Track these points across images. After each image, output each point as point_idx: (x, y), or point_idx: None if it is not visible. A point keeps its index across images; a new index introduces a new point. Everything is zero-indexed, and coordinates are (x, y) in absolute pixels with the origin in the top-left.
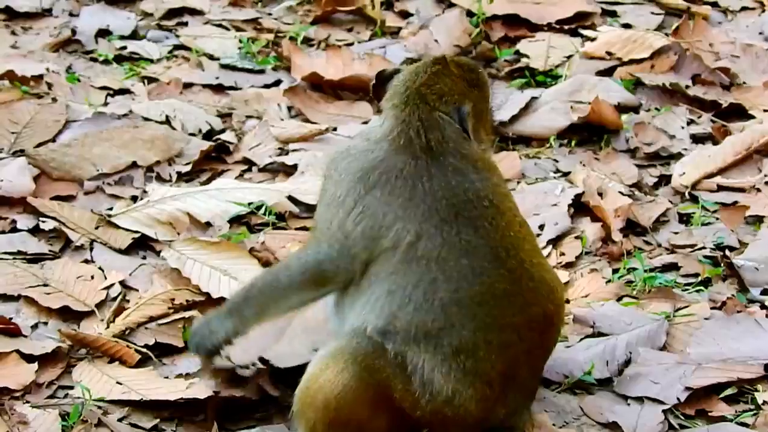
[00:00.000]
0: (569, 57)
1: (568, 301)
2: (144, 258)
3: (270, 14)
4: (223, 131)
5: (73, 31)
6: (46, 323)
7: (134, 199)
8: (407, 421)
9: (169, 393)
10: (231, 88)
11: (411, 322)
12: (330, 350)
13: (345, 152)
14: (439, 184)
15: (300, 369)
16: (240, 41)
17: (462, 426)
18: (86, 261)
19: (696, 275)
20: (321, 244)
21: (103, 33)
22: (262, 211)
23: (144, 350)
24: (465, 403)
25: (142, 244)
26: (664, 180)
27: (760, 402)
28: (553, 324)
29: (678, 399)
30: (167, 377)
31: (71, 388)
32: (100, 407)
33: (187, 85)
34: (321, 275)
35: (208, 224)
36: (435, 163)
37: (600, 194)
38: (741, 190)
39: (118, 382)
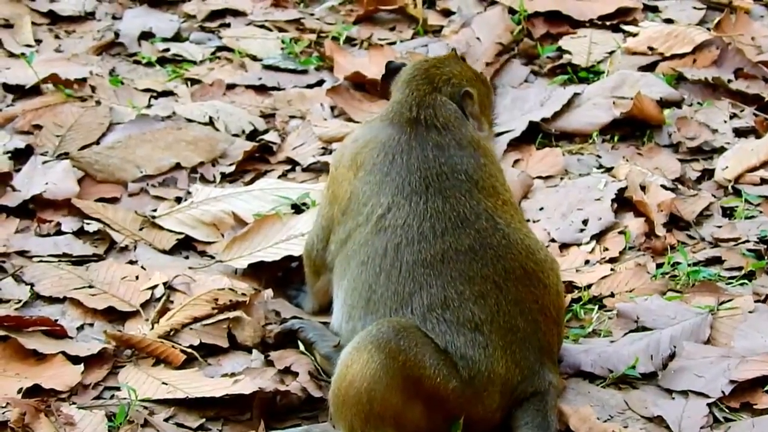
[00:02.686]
0: (611, 53)
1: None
2: (187, 258)
3: (312, 14)
4: (266, 132)
5: (116, 34)
6: (91, 324)
7: (178, 200)
8: (444, 408)
9: (215, 390)
10: (274, 88)
11: (386, 293)
12: (353, 344)
13: (346, 140)
14: (416, 157)
15: None
16: (282, 42)
17: (488, 391)
18: (131, 262)
19: (740, 269)
20: (311, 235)
21: (146, 35)
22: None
23: (189, 350)
24: (466, 352)
25: (186, 245)
26: (707, 174)
27: None
28: (539, 280)
29: (723, 392)
30: (212, 377)
31: (117, 389)
32: (146, 407)
33: (230, 86)
34: (313, 264)
35: None
36: (417, 138)
37: (643, 189)
38: None
39: (163, 383)
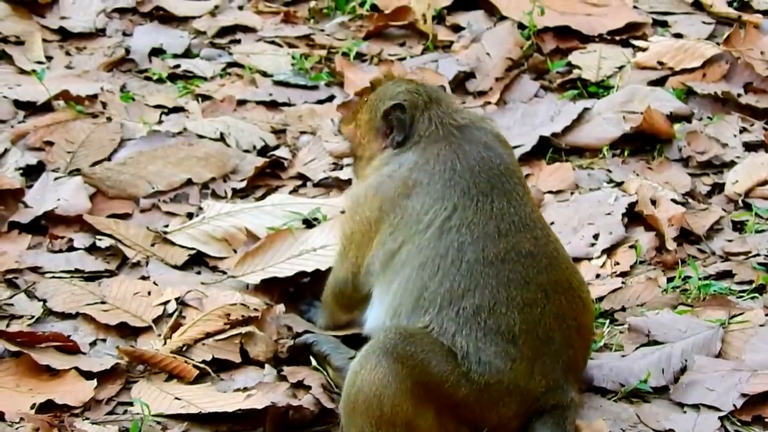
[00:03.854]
0: (621, 68)
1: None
2: (199, 274)
3: (322, 30)
4: (277, 147)
5: (127, 51)
6: (104, 340)
7: (190, 216)
8: (456, 413)
9: (227, 405)
10: (284, 104)
11: (438, 290)
12: (362, 352)
13: (369, 185)
14: (474, 159)
15: None
16: (293, 57)
17: (504, 401)
18: (143, 278)
19: (750, 282)
20: (340, 275)
21: (157, 52)
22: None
23: (202, 366)
24: (492, 361)
25: (198, 261)
26: (717, 188)
27: None
28: (580, 299)
29: (734, 405)
30: (225, 392)
31: (130, 404)
32: (159, 422)
33: (241, 102)
34: (347, 300)
35: None
36: (466, 141)
37: (653, 203)
38: None
39: (176, 398)
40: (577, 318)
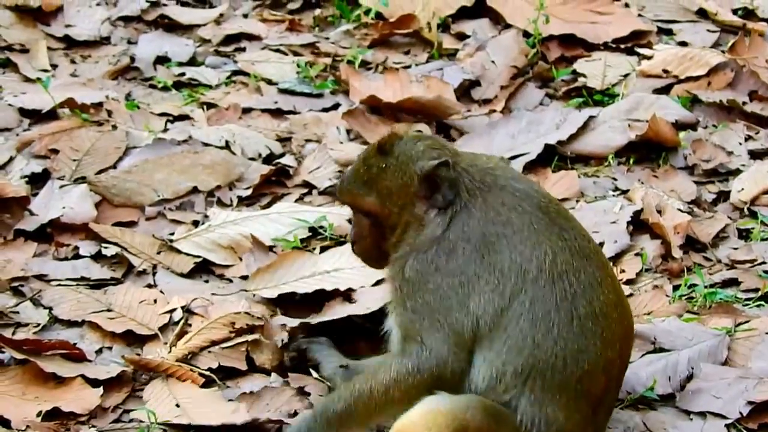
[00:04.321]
0: (626, 76)
1: None
2: (206, 282)
3: (327, 38)
4: (282, 155)
5: (132, 59)
6: (110, 348)
7: (195, 223)
8: None
9: (213, 418)
10: (290, 112)
11: (551, 351)
12: (426, 406)
13: (436, 254)
14: (533, 196)
15: None
16: (298, 66)
17: None
18: (149, 285)
19: (756, 290)
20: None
21: (162, 60)
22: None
23: (207, 373)
24: (572, 425)
25: (203, 269)
26: (723, 196)
27: None
28: (631, 342)
29: (740, 413)
30: (231, 400)
31: (137, 411)
32: (165, 430)
33: (246, 110)
34: (444, 381)
35: (271, 248)
36: (514, 180)
37: (659, 211)
38: None
39: (176, 405)
40: (627, 362)
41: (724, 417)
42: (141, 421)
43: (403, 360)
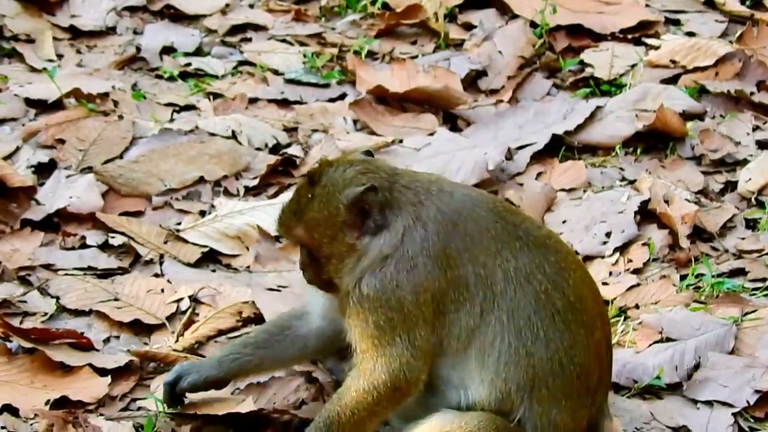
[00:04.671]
0: (633, 66)
1: None
2: (213, 272)
3: (333, 29)
4: (289, 145)
5: (138, 49)
6: (117, 337)
7: (202, 213)
8: None
9: (217, 409)
10: (296, 102)
11: (546, 357)
12: (448, 425)
13: (390, 276)
14: (481, 201)
15: None
16: (304, 56)
17: None
18: (156, 275)
19: (763, 280)
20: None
21: (168, 50)
22: None
23: None
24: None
25: (210, 258)
26: (730, 186)
27: None
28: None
29: (747, 402)
30: (238, 388)
31: (144, 400)
32: (172, 419)
33: (253, 101)
34: (404, 391)
35: (277, 239)
36: (455, 189)
37: (666, 201)
38: None
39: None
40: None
41: (731, 406)
42: (149, 410)
43: (360, 380)
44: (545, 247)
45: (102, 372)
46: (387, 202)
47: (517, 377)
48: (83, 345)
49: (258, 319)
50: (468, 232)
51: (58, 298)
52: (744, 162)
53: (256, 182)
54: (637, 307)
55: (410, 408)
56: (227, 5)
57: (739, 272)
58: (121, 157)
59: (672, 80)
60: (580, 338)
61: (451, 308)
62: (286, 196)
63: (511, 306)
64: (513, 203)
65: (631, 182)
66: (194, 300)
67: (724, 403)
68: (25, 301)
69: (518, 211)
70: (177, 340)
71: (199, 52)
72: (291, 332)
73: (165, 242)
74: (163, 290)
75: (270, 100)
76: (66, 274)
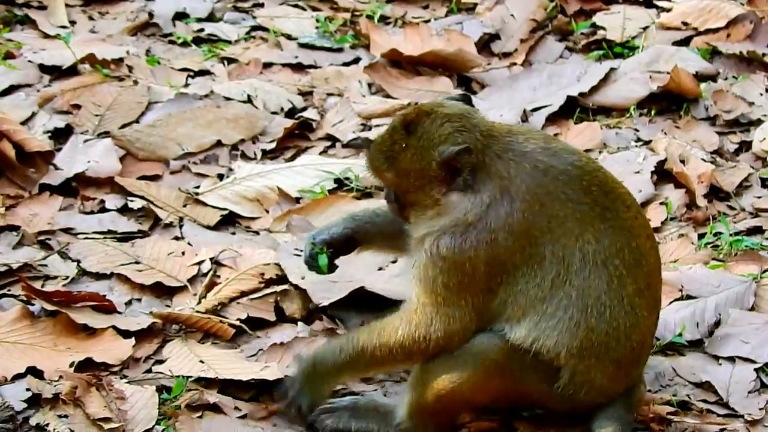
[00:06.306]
0: (645, 28)
1: None
2: (233, 234)
3: None
4: (304, 109)
5: (150, 15)
6: (139, 300)
7: (220, 177)
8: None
9: (242, 374)
10: (310, 66)
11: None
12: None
13: (469, 244)
14: (578, 175)
15: None
16: (317, 20)
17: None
18: (176, 238)
19: None
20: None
21: (180, 16)
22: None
23: (237, 324)
24: (602, 384)
25: (230, 221)
26: (745, 146)
27: None
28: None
29: None
30: (261, 349)
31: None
32: (198, 382)
33: (267, 65)
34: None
35: (297, 200)
36: (553, 159)
37: (682, 161)
38: None
39: (201, 360)
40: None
41: (753, 361)
42: (172, 372)
43: (410, 327)
44: (629, 230)
45: (125, 334)
46: (479, 165)
47: (571, 343)
48: (106, 308)
49: (281, 279)
50: (554, 214)
51: (78, 261)
52: (758, 122)
53: (273, 145)
54: None
55: None
56: None
57: (757, 230)
58: (137, 121)
59: (684, 42)
60: (642, 320)
61: (521, 281)
62: (304, 158)
63: (583, 285)
64: None
65: (647, 143)
66: (215, 262)
67: (746, 359)
68: (45, 265)
69: (612, 188)
70: (199, 302)
71: (211, 17)
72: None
73: (184, 205)
74: (183, 253)
75: (284, 65)
76: (86, 238)
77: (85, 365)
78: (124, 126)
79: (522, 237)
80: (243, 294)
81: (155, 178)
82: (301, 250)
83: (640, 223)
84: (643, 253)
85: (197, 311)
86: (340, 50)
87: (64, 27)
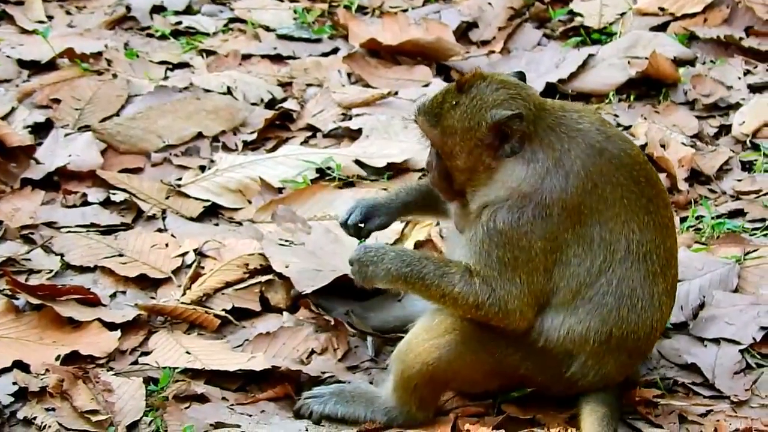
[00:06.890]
0: (623, 14)
1: None
2: (216, 225)
3: None
4: (284, 100)
5: (128, 9)
6: (124, 292)
7: (202, 168)
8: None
9: (229, 364)
10: (289, 57)
11: (635, 323)
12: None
13: (527, 219)
14: (627, 162)
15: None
16: (295, 12)
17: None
18: (159, 230)
19: (762, 220)
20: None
21: (158, 9)
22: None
23: (223, 314)
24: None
25: (212, 212)
26: (724, 130)
27: None
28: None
29: (753, 338)
30: (247, 339)
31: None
32: (182, 374)
33: (246, 57)
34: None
35: (280, 190)
36: (606, 141)
37: (663, 146)
38: None
39: (187, 351)
40: None
41: (737, 342)
42: (163, 367)
43: (471, 288)
44: (666, 228)
45: (111, 326)
46: (529, 135)
47: (600, 329)
48: (90, 300)
49: (265, 269)
50: (605, 195)
51: (62, 255)
52: (737, 106)
53: (254, 136)
54: None
55: None
56: None
57: (738, 213)
58: (117, 114)
59: (661, 27)
60: (666, 317)
61: (574, 262)
62: (285, 148)
63: (624, 275)
64: None
65: (626, 128)
66: (199, 254)
67: (730, 341)
68: (29, 259)
69: (656, 183)
70: (184, 293)
71: (188, 10)
72: None
73: (166, 197)
74: (167, 245)
75: (263, 56)
76: (69, 232)
77: (72, 358)
78: (104, 119)
79: (574, 213)
80: (227, 284)
81: (137, 170)
82: (287, 241)
83: (673, 224)
84: (674, 254)
85: (182, 302)
86: (318, 41)
87: (41, 22)
